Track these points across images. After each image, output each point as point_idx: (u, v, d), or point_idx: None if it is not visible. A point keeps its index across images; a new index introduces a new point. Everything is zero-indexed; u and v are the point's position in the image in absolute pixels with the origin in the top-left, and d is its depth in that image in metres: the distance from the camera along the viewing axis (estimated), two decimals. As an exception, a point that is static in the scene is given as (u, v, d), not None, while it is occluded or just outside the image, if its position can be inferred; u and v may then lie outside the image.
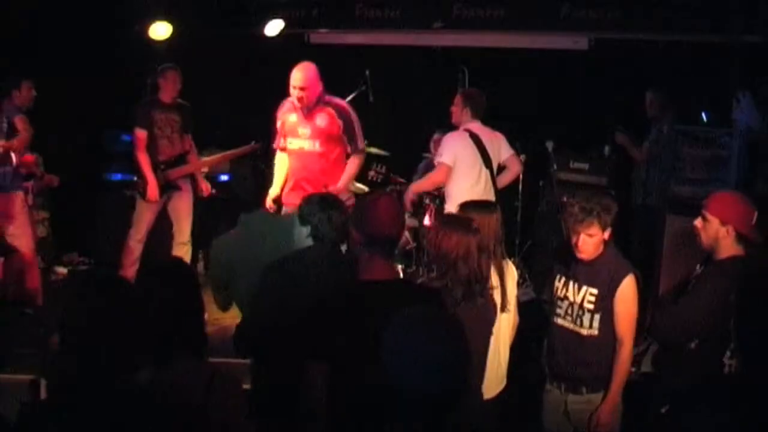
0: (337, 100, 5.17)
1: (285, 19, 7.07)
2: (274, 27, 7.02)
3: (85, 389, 2.00)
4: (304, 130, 5.12)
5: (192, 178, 6.10)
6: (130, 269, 5.69)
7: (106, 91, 6.45)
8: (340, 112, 5.10)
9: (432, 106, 7.16)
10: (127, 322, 2.08)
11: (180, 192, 5.97)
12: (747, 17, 6.27)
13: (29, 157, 5.76)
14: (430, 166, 7.12)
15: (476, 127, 5.43)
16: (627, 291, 3.30)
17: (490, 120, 5.90)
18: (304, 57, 7.59)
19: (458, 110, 5.54)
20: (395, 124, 7.25)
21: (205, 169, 6.38)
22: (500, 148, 5.51)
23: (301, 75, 4.97)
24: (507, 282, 3.57)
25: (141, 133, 5.81)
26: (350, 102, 6.48)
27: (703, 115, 6.89)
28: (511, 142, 5.68)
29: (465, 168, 5.33)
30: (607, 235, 3.29)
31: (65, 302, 2.14)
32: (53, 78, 6.09)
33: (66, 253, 6.98)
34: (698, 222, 3.31)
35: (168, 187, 5.93)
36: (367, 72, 6.56)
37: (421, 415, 1.84)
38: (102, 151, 7.19)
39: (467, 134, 5.39)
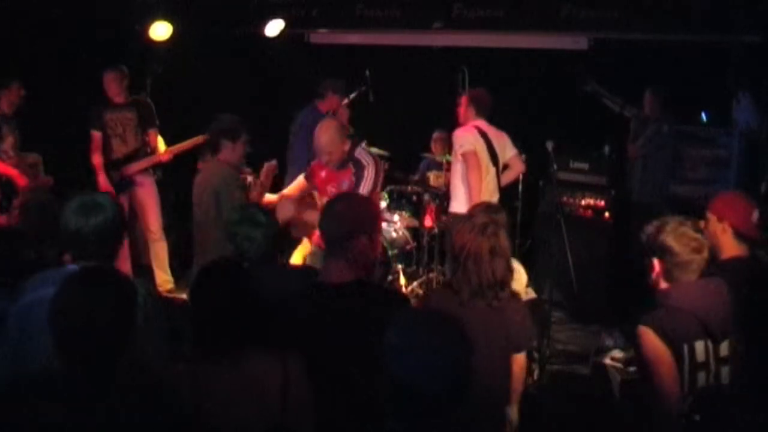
0: (362, 155, 4.81)
1: (285, 19, 7.07)
2: (274, 27, 7.02)
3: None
4: (332, 190, 4.91)
5: (154, 170, 6.22)
6: None
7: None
8: (358, 169, 4.79)
9: (432, 106, 7.16)
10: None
11: (139, 187, 6.11)
12: (747, 17, 6.27)
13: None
14: (431, 165, 7.14)
15: (482, 124, 5.48)
16: None
17: (490, 120, 5.91)
18: (304, 57, 7.67)
19: (463, 110, 5.61)
20: (395, 124, 7.24)
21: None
22: (505, 147, 5.58)
23: (323, 139, 4.68)
24: (512, 284, 3.47)
25: (95, 134, 5.97)
26: (350, 102, 6.52)
27: (703, 115, 6.89)
28: (512, 143, 5.71)
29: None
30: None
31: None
32: (53, 78, 6.10)
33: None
34: (702, 223, 3.33)
35: (124, 185, 6.05)
36: (367, 72, 6.56)
37: (423, 414, 1.84)
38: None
39: (476, 130, 5.44)
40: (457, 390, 1.85)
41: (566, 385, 5.10)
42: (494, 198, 5.45)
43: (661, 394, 2.63)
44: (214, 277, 2.44)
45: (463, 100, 5.64)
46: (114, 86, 5.99)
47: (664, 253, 2.76)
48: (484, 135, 5.43)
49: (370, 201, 2.93)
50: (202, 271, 2.47)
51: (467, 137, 5.40)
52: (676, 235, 2.74)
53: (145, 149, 6.15)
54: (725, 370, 2.74)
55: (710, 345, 2.70)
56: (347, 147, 4.71)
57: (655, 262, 2.80)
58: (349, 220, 2.70)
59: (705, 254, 2.75)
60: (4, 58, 5.87)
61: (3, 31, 5.89)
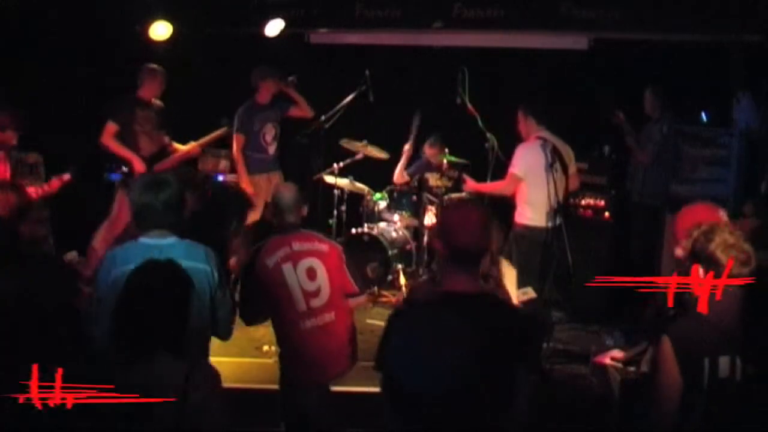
0: None
1: (285, 19, 7.07)
2: (274, 27, 7.02)
3: None
4: None
5: None
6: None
7: (106, 90, 6.45)
8: None
9: (432, 106, 7.15)
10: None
11: None
12: (746, 17, 6.27)
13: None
14: (430, 166, 7.13)
15: (547, 135, 5.48)
16: None
17: (491, 120, 5.91)
18: (304, 57, 7.67)
19: (523, 124, 5.63)
20: (395, 124, 7.25)
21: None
22: (571, 159, 5.62)
23: None
24: (506, 283, 3.57)
25: (112, 127, 5.95)
26: (350, 102, 6.52)
27: (703, 115, 6.88)
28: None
29: (541, 176, 5.35)
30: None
31: None
32: (53, 78, 6.10)
33: (66, 253, 6.97)
34: (677, 251, 3.30)
35: None
36: (367, 72, 6.56)
37: (423, 415, 1.84)
38: (102, 150, 7.18)
39: (540, 142, 5.41)
40: (458, 392, 1.85)
41: (566, 385, 5.10)
42: (552, 211, 5.46)
43: (656, 402, 2.63)
44: (152, 277, 2.47)
45: (519, 115, 5.65)
46: (159, 86, 6.10)
47: (710, 264, 2.68)
48: (549, 145, 5.40)
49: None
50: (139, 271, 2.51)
51: (528, 157, 5.42)
52: (725, 248, 2.66)
53: (168, 148, 6.25)
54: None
55: (738, 361, 2.63)
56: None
57: (700, 270, 2.71)
58: (488, 231, 2.64)
59: (753, 266, 2.68)
60: (4, 58, 5.87)
61: (2, 31, 5.89)
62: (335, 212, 6.87)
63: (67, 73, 6.32)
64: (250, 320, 3.81)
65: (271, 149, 6.70)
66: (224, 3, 7.34)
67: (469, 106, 6.21)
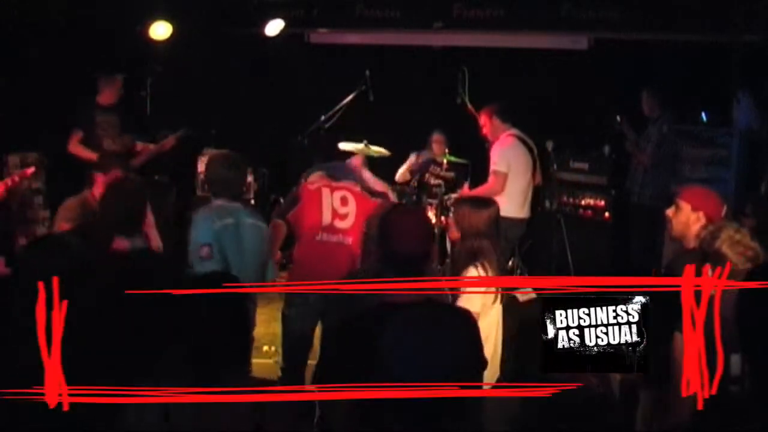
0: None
1: (285, 19, 7.07)
2: (274, 27, 7.02)
3: None
4: None
5: None
6: None
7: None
8: None
9: (432, 106, 7.16)
10: None
11: None
12: (747, 17, 6.27)
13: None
14: (432, 165, 7.13)
15: (516, 131, 5.57)
16: None
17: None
18: (304, 57, 7.68)
19: (488, 126, 5.64)
20: (395, 124, 7.25)
21: None
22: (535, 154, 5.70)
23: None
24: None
25: (76, 134, 5.81)
26: (350, 102, 6.52)
27: (703, 115, 6.88)
28: None
29: (519, 171, 5.46)
30: None
31: None
32: (53, 78, 6.09)
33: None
34: (670, 211, 3.38)
35: None
36: (367, 72, 6.55)
37: (422, 416, 1.83)
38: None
39: (514, 138, 5.51)
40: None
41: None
42: (527, 203, 5.62)
43: (677, 399, 2.63)
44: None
45: (483, 118, 5.66)
46: (118, 91, 5.95)
47: (718, 261, 2.64)
48: (523, 140, 5.51)
49: None
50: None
51: (507, 153, 5.47)
52: (731, 243, 2.68)
53: (132, 151, 6.03)
54: None
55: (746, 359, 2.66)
56: None
57: (708, 269, 2.73)
58: (426, 238, 2.62)
59: (760, 262, 2.67)
60: (4, 58, 5.87)
61: (2, 31, 5.89)
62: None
63: (67, 72, 6.31)
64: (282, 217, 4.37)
65: None
66: (224, 3, 7.34)
67: (469, 106, 6.21)
